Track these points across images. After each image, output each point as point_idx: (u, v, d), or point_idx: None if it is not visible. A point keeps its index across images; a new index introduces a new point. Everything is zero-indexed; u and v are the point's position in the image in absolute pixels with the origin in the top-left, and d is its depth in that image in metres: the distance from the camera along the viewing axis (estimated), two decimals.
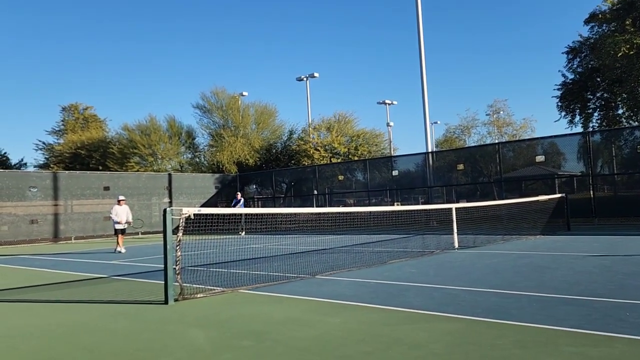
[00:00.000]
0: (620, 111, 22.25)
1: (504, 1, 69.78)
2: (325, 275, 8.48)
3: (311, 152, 30.20)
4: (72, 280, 9.58)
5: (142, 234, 24.98)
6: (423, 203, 22.29)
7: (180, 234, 6.85)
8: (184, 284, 6.90)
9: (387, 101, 44.43)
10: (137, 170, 30.56)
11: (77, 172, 25.93)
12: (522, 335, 4.40)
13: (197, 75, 75.11)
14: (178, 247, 6.79)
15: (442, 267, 8.92)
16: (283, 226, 20.53)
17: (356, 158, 29.64)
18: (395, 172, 23.93)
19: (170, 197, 26.87)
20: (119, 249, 15.47)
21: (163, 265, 6.72)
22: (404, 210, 14.76)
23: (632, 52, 19.36)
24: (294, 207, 25.26)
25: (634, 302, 5.44)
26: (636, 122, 21.29)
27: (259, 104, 34.34)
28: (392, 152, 36.64)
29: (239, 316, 5.80)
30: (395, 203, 23.22)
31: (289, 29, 79.28)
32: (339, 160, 29.71)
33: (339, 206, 24.53)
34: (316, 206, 25.46)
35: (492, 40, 71.94)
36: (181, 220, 6.92)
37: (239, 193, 23.92)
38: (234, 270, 9.29)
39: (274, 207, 26.85)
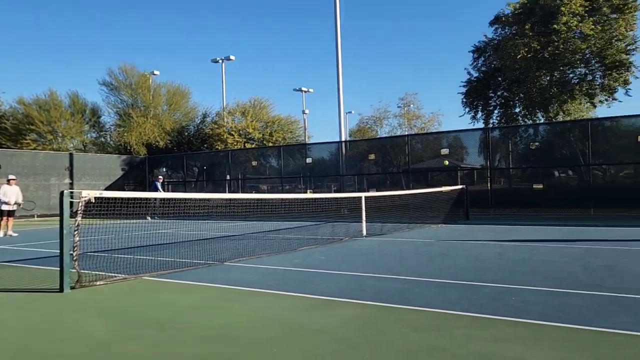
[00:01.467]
0: (517, 109, 24.01)
1: (418, 2, 72.30)
2: (233, 262, 8.40)
3: (225, 136, 29.66)
4: None
5: (39, 216, 23.25)
6: (335, 191, 22.74)
7: (79, 218, 6.45)
8: (82, 271, 6.53)
9: (303, 89, 44.60)
10: (34, 149, 28.25)
11: None
12: (419, 319, 4.66)
13: (104, 51, 70.58)
14: (76, 231, 6.39)
15: (350, 254, 9.18)
16: (194, 211, 20.00)
17: (271, 144, 29.55)
18: (309, 160, 24.17)
19: (71, 178, 25.22)
20: (9, 232, 14.32)
21: (59, 251, 6.29)
22: (316, 198, 14.97)
23: (529, 55, 20.91)
24: (205, 192, 24.72)
25: (520, 287, 5.94)
26: (530, 121, 23.10)
27: (171, 84, 33.10)
28: (306, 139, 36.94)
29: (142, 304, 5.60)
30: (309, 190, 23.49)
31: (205, 9, 76.78)
32: (253, 146, 29.45)
33: (252, 192, 24.40)
34: (229, 191, 25.11)
35: (407, 37, 74.46)
36: (80, 204, 6.51)
37: (161, 177, 23.14)
38: (139, 257, 8.92)
39: (185, 191, 26.12)
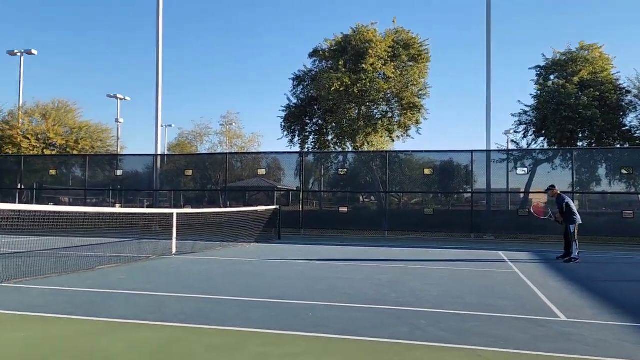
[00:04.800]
0: (330, 137, 25.81)
1: (248, 27, 73.69)
2: (13, 282, 7.32)
3: (19, 139, 26.02)
4: None
5: None
6: (148, 206, 21.53)
7: None
8: None
9: (119, 96, 41.62)
10: None
11: None
12: (217, 339, 4.61)
13: None
14: None
15: (155, 273, 8.73)
16: None
17: (76, 152, 26.81)
18: (119, 172, 22.53)
19: None
20: None
21: None
22: (123, 213, 13.95)
23: (342, 89, 22.75)
24: None
25: (317, 303, 6.30)
26: (340, 149, 25.05)
27: None
28: (119, 150, 34.40)
29: None
30: (117, 205, 21.84)
31: None
32: (54, 153, 26.37)
33: (48, 204, 21.70)
34: (19, 202, 21.97)
35: (232, 54, 74.99)
36: None
37: None
38: None
39: None
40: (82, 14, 69.22)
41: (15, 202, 21.56)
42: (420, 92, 24.22)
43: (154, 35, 22.96)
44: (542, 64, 23.38)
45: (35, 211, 10.84)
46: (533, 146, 22.91)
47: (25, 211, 12.18)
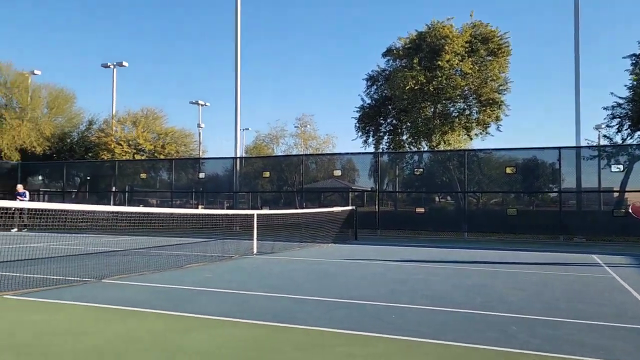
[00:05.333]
0: (404, 137, 25.50)
1: (319, 30, 74.61)
2: (113, 279, 7.88)
3: (112, 146, 27.96)
4: None
5: None
6: (228, 208, 22.36)
7: None
8: None
9: (200, 102, 43.61)
10: None
11: None
12: (304, 338, 4.69)
13: None
14: None
15: (239, 272, 9.04)
16: (72, 224, 18.49)
17: (162, 157, 28.39)
18: (202, 175, 23.57)
19: None
20: None
21: None
22: (207, 214, 14.59)
23: (416, 88, 22.40)
24: (88, 203, 23.01)
25: (399, 305, 6.24)
26: (415, 148, 24.65)
27: (53, 86, 30.53)
28: (200, 153, 36.02)
29: (1, 326, 5.02)
30: (200, 206, 22.85)
31: (99, 12, 72.57)
32: (143, 157, 28.08)
33: (139, 206, 23.13)
34: (114, 204, 23.60)
35: (306, 55, 76.19)
36: None
37: (20, 185, 20.91)
38: (1, 273, 8.02)
39: (64, 202, 24.07)
40: (167, 27, 73.25)
41: (110, 204, 23.21)
42: (501, 88, 23.32)
43: (233, 43, 23.77)
44: (638, 52, 21.65)
45: (130, 212, 11.59)
46: (629, 141, 21.24)
47: (121, 212, 13.06)
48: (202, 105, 43.94)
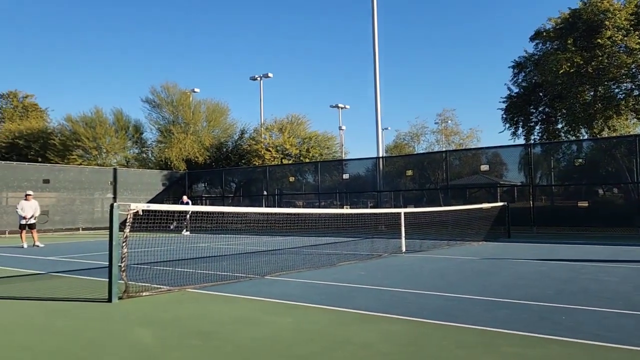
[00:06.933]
0: (559, 125, 23.43)
1: (456, 19, 72.08)
2: (274, 275, 8.45)
3: (262, 152, 30.04)
4: (5, 276, 9.08)
5: (83, 229, 24.04)
6: (372, 207, 22.62)
7: (127, 230, 6.64)
8: (129, 282, 6.70)
9: (340, 105, 44.83)
10: (80, 164, 29.33)
11: (14, 162, 24.59)
12: (465, 337, 4.56)
13: (146, 69, 73.10)
14: (124, 243, 6.58)
15: (390, 270, 9.09)
16: (231, 226, 20.30)
17: (307, 160, 29.72)
18: (345, 176, 24.17)
19: (114, 192, 25.99)
20: (36, 243, 15.21)
21: (107, 262, 6.49)
22: (353, 214, 14.93)
23: (572, 70, 20.45)
24: (243, 207, 25.02)
25: (570, 306, 5.74)
26: (573, 137, 22.48)
27: (210, 101, 33.88)
28: (343, 155, 36.99)
29: (186, 315, 5.69)
30: (345, 206, 23.46)
31: (245, 28, 78.66)
32: (290, 162, 29.69)
33: (288, 207, 24.50)
34: (265, 207, 25.32)
35: (444, 52, 74.10)
36: (129, 216, 6.71)
37: (185, 196, 23.47)
38: (181, 269, 9.09)
39: (223, 206, 26.48)
40: (305, 34, 76.69)
41: (262, 207, 24.94)
42: None
43: (370, 46, 24.02)
44: None
45: (280, 213, 12.36)
46: None
47: (272, 214, 13.97)
48: (342, 108, 45.12)
